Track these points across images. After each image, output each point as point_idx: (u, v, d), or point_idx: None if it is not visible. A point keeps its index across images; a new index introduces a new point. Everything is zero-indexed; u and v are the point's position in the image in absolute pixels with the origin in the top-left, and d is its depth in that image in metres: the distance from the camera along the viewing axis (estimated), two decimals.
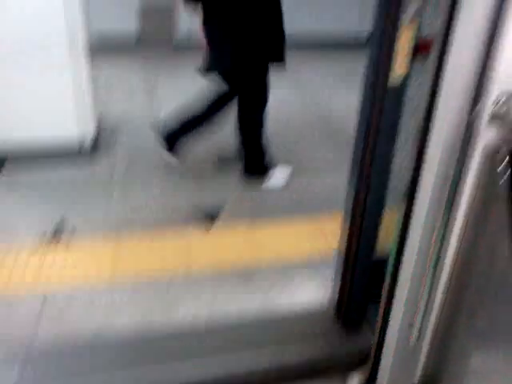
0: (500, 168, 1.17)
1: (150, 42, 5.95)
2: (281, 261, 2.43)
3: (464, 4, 1.13)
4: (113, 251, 2.43)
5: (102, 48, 5.39)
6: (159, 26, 5.94)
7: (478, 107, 1.12)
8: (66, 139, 3.17)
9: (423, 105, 1.34)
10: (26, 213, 2.72)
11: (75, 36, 2.94)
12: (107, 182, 3.06)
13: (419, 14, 1.45)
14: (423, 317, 1.45)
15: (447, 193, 1.28)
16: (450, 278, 1.43)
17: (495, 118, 1.16)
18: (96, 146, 3.36)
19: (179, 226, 2.64)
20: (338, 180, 3.11)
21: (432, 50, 1.27)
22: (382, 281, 1.67)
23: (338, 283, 1.99)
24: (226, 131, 3.19)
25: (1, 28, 2.81)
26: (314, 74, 5.39)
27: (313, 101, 4.66)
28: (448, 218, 1.29)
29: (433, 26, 1.48)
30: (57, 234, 2.53)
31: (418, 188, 1.38)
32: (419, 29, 1.47)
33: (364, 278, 1.92)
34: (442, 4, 1.22)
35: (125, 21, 5.78)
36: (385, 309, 1.63)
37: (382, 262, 1.75)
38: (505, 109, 1.12)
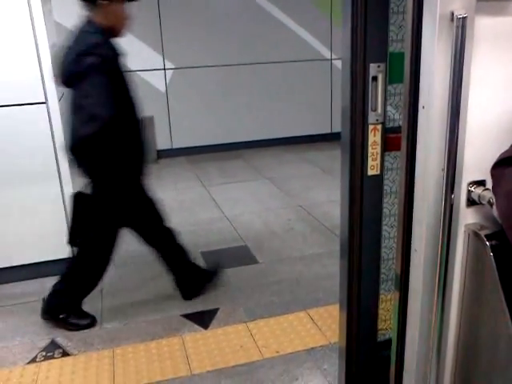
0: (484, 247, 1.24)
1: None
2: (281, 357, 2.39)
3: (424, 104, 1.25)
4: (109, 366, 2.37)
5: None
6: None
7: (452, 195, 1.21)
8: (57, 258, 3.24)
9: (402, 191, 1.43)
10: (18, 329, 2.71)
11: (62, 165, 3.14)
12: (97, 294, 3.03)
13: (384, 115, 1.59)
14: None
15: (438, 274, 1.33)
16: (456, 360, 1.44)
17: (472, 202, 1.25)
18: None
19: (173, 333, 2.61)
20: (328, 270, 3.18)
21: (401, 146, 1.39)
22: (387, 367, 1.66)
23: (343, 377, 1.97)
24: None
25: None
26: (291, 171, 5.63)
27: (293, 196, 4.81)
28: (443, 299, 1.33)
29: (399, 123, 1.62)
30: (49, 350, 2.51)
31: (409, 273, 1.43)
32: (386, 128, 1.61)
33: (369, 368, 1.91)
34: (405, 102, 1.36)
35: None
36: None
37: (385, 347, 1.76)
38: (477, 195, 1.22)
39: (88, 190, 2.59)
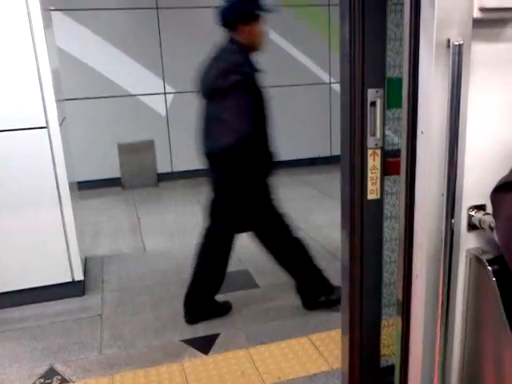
0: (486, 272, 1.23)
1: (132, 179, 6.22)
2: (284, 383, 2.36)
3: (423, 129, 1.26)
4: None
5: (88, 195, 5.64)
6: (139, 162, 6.24)
7: (453, 219, 1.21)
8: (57, 283, 3.27)
9: (402, 215, 1.42)
10: (16, 355, 2.68)
11: (62, 190, 3.15)
12: (96, 319, 3.02)
13: (383, 139, 1.60)
14: None
15: (441, 300, 1.32)
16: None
17: (472, 227, 1.25)
18: (84, 287, 3.42)
19: (173, 359, 2.58)
20: None
21: (401, 170, 1.39)
22: None
23: None
24: None
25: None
26: (290, 194, 5.63)
27: (292, 219, 4.79)
28: (446, 325, 1.32)
29: (398, 147, 1.62)
30: (48, 377, 2.47)
31: (411, 298, 1.42)
32: (385, 152, 1.61)
33: None
34: (403, 128, 1.37)
35: (107, 166, 6.14)
36: None
37: (388, 373, 1.74)
38: (478, 220, 1.21)
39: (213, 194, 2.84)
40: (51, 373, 2.53)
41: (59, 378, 2.49)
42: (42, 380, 2.47)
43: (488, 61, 1.21)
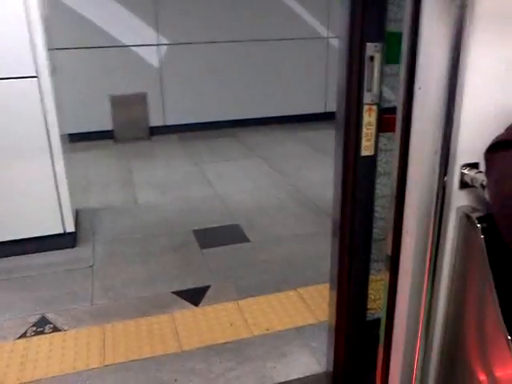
0: (475, 230, 1.24)
1: (124, 132, 6.15)
2: (270, 335, 2.42)
3: (421, 85, 1.24)
4: (100, 342, 2.39)
5: (79, 148, 5.57)
6: (131, 115, 6.16)
7: (445, 177, 1.21)
8: (48, 234, 3.29)
9: (395, 173, 1.42)
10: (8, 304, 2.70)
11: (53, 142, 3.11)
12: (87, 271, 3.06)
13: (379, 95, 1.58)
14: (421, 379, 1.47)
15: (429, 256, 1.34)
16: (443, 338, 1.46)
17: (464, 185, 1.25)
18: (76, 239, 3.43)
19: (163, 310, 2.63)
20: (319, 250, 3.20)
21: (396, 127, 1.38)
22: (376, 345, 1.68)
23: (332, 354, 2.00)
24: None
25: None
26: (284, 150, 5.63)
27: (285, 176, 4.81)
28: (433, 281, 1.34)
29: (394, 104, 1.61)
30: (40, 326, 2.51)
31: (400, 253, 1.44)
32: (381, 108, 1.60)
33: (357, 346, 1.93)
34: (401, 83, 1.35)
35: (99, 118, 6.04)
36: (381, 375, 1.64)
37: (374, 326, 1.78)
38: (470, 178, 1.22)
39: None
40: (43, 322, 2.57)
41: (51, 326, 2.53)
42: (34, 328, 2.52)
43: (493, 16, 1.17)
